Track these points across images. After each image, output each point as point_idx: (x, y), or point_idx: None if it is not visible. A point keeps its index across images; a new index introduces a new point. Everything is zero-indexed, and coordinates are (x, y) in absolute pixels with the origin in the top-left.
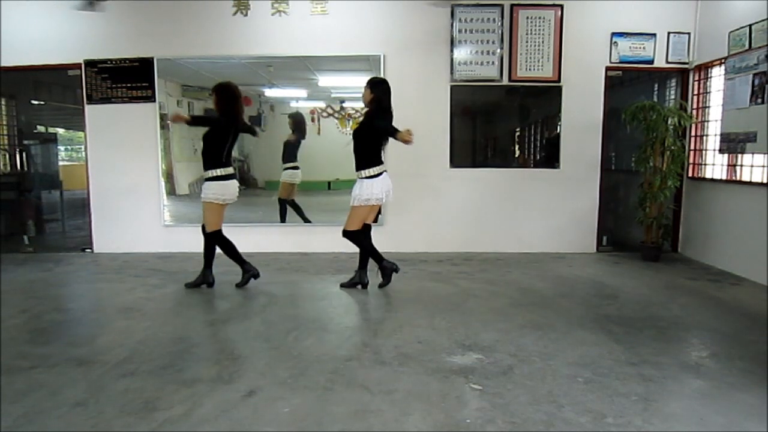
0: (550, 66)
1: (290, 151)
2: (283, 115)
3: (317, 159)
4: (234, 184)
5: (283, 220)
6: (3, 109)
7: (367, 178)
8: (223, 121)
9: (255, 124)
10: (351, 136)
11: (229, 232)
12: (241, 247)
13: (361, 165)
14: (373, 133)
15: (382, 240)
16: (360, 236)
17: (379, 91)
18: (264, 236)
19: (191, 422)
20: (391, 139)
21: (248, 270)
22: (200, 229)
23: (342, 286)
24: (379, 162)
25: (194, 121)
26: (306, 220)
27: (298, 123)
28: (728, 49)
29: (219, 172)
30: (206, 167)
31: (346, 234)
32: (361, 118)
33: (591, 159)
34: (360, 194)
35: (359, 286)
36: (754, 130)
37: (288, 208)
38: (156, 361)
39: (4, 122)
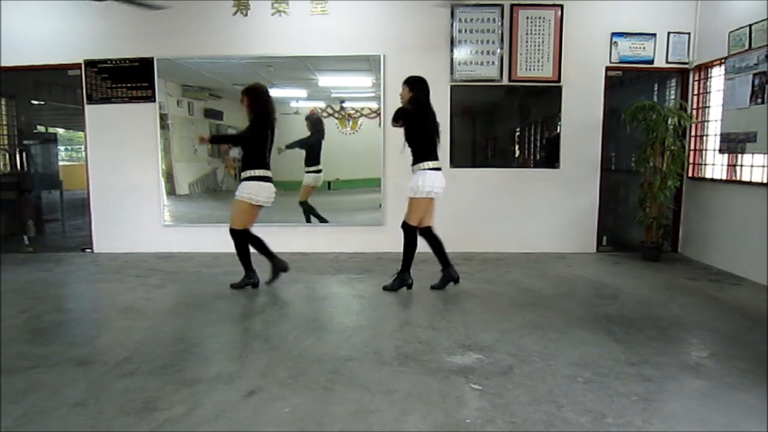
0: (550, 66)
1: (312, 154)
2: (283, 114)
3: None
4: (270, 187)
5: (308, 221)
6: (3, 109)
7: (430, 169)
8: (257, 124)
9: None
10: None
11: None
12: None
13: (418, 158)
14: (419, 127)
15: (382, 240)
16: (416, 234)
17: (417, 90)
18: (264, 236)
19: (191, 422)
20: (398, 140)
21: (251, 277)
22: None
23: (385, 288)
24: (436, 157)
25: (213, 140)
26: (308, 221)
27: (314, 124)
28: (728, 49)
29: (257, 172)
30: (244, 168)
31: (406, 228)
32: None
33: (591, 159)
34: (423, 185)
35: (406, 288)
36: (754, 130)
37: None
38: (156, 361)
39: (4, 122)
